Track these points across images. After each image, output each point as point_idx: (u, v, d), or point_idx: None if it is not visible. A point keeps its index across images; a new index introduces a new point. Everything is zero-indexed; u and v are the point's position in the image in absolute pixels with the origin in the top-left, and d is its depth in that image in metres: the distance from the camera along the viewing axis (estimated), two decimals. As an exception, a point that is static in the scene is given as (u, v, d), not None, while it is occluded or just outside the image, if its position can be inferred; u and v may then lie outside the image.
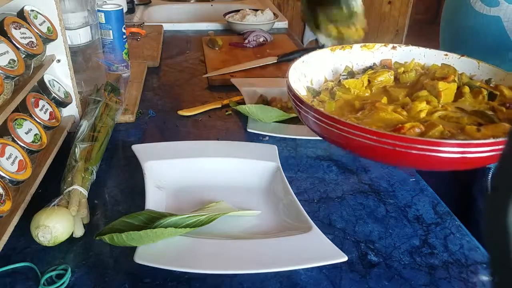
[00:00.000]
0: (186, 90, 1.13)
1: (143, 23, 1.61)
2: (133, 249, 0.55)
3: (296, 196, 0.66)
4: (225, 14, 1.64)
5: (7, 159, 0.60)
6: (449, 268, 0.58)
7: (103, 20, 1.11)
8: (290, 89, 0.65)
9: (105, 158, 0.78)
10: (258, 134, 0.87)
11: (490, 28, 0.89)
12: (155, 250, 0.55)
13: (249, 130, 0.88)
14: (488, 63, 0.72)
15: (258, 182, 0.71)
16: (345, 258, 0.54)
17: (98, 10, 1.09)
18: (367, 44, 0.78)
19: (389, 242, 0.62)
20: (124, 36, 1.16)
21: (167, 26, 1.62)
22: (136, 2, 1.85)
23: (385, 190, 0.73)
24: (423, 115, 0.64)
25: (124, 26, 1.15)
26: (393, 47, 0.78)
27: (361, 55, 0.79)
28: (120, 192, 0.72)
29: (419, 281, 0.55)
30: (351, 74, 0.76)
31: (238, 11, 1.66)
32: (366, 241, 0.62)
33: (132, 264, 0.54)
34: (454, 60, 0.74)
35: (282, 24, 1.69)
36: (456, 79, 0.71)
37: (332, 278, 0.55)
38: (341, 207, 0.69)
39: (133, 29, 1.50)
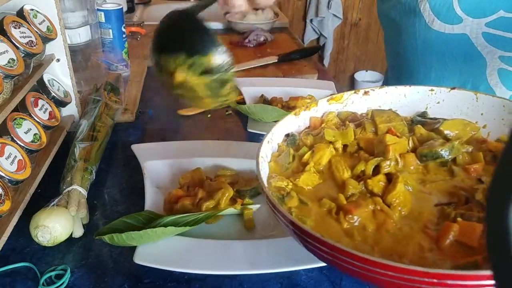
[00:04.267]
0: (186, 89, 1.12)
1: (143, 22, 1.60)
2: (132, 250, 0.55)
3: (297, 196, 0.66)
4: (225, 13, 1.64)
5: (6, 158, 0.59)
6: (450, 268, 0.57)
7: (103, 19, 1.10)
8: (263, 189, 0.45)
9: (104, 158, 0.78)
10: (258, 134, 0.87)
11: (458, 48, 0.79)
12: (154, 251, 0.55)
13: (249, 130, 0.88)
14: (489, 94, 0.58)
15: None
16: (346, 259, 0.54)
17: (98, 9, 1.09)
18: (334, 96, 0.62)
19: (390, 242, 0.61)
20: (124, 35, 1.15)
21: (167, 25, 1.61)
22: (136, 1, 1.84)
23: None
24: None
25: (124, 25, 1.15)
26: (365, 93, 0.62)
27: (330, 111, 0.62)
28: (119, 192, 0.71)
29: (419, 282, 0.55)
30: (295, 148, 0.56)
31: (238, 10, 1.65)
32: (367, 241, 0.62)
33: (132, 265, 0.54)
34: (443, 95, 0.59)
35: (283, 23, 1.69)
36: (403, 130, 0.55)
37: (333, 279, 0.55)
38: (341, 207, 0.68)
39: (133, 28, 1.49)
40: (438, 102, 0.60)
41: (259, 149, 0.51)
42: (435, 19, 0.79)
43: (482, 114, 0.58)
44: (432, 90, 0.60)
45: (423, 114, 0.61)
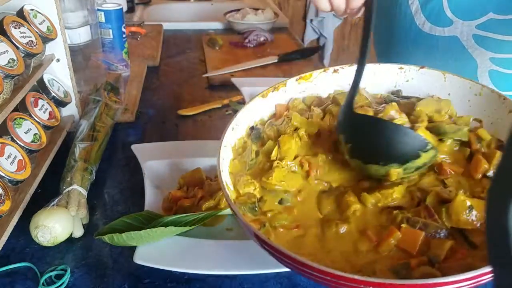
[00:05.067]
0: (186, 89, 1.12)
1: (143, 22, 1.61)
2: (132, 250, 0.55)
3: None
4: (225, 13, 1.64)
5: (6, 158, 0.59)
6: (450, 268, 0.57)
7: (103, 19, 1.10)
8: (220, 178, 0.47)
9: (104, 158, 0.78)
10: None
11: (449, 51, 0.79)
12: (154, 251, 0.55)
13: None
14: (457, 74, 0.57)
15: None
16: (346, 259, 0.54)
17: (98, 9, 1.09)
18: (302, 75, 0.61)
19: (390, 242, 0.61)
20: (124, 36, 1.15)
21: (167, 25, 1.61)
22: (136, 1, 1.84)
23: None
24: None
25: (124, 25, 1.15)
26: (335, 71, 0.61)
27: (299, 91, 0.61)
28: (119, 192, 0.71)
29: (419, 282, 0.55)
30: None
31: (238, 10, 1.65)
32: (367, 241, 0.61)
33: (132, 265, 0.54)
34: (412, 73, 0.59)
35: (283, 23, 1.69)
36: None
37: (333, 279, 0.55)
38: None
39: (133, 28, 1.49)
40: (407, 81, 0.60)
41: (223, 137, 0.50)
42: (425, 22, 0.79)
43: (449, 94, 0.58)
44: (401, 68, 0.60)
45: (397, 93, 0.61)
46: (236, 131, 0.55)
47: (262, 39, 1.45)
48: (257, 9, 1.65)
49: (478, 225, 0.41)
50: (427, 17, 0.78)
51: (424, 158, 0.46)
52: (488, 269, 0.34)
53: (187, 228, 0.57)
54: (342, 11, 0.59)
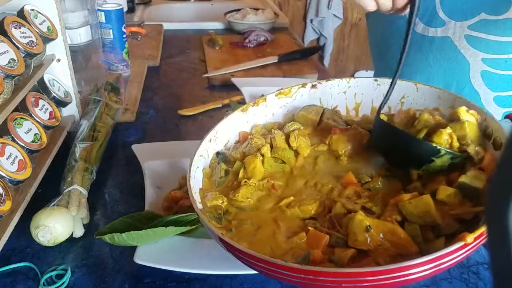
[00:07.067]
0: (186, 89, 1.13)
1: (143, 22, 1.61)
2: (133, 250, 0.55)
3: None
4: (225, 13, 1.64)
5: (7, 158, 0.59)
6: (450, 268, 0.57)
7: (103, 20, 1.10)
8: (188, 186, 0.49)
9: (105, 158, 0.78)
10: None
11: (442, 51, 0.80)
12: (155, 250, 0.55)
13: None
14: (430, 85, 0.58)
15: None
16: (346, 259, 0.54)
17: (98, 10, 1.09)
18: (282, 90, 0.62)
19: (390, 242, 0.61)
20: (124, 36, 1.15)
21: (167, 26, 1.61)
22: (136, 1, 1.84)
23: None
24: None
25: (124, 25, 1.15)
26: (313, 86, 0.62)
27: (279, 106, 0.63)
28: (120, 192, 0.71)
29: (420, 282, 0.55)
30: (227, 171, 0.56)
31: (238, 10, 1.65)
32: (367, 241, 0.62)
33: (132, 264, 0.54)
34: (386, 86, 0.58)
35: (283, 23, 1.69)
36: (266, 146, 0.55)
37: (333, 279, 0.55)
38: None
39: (133, 29, 1.49)
40: (384, 94, 0.59)
41: (199, 146, 0.53)
42: (419, 22, 0.79)
43: (425, 100, 0.59)
44: (376, 80, 0.62)
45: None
46: (214, 143, 0.57)
47: (262, 39, 1.45)
48: (257, 9, 1.65)
49: (375, 246, 0.41)
50: (420, 17, 0.79)
51: (440, 162, 0.47)
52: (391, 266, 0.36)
53: (188, 228, 0.57)
54: (388, 9, 0.61)
